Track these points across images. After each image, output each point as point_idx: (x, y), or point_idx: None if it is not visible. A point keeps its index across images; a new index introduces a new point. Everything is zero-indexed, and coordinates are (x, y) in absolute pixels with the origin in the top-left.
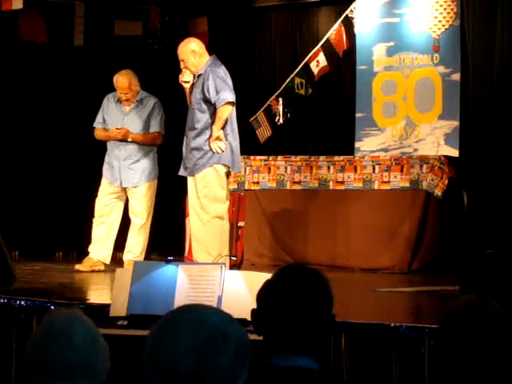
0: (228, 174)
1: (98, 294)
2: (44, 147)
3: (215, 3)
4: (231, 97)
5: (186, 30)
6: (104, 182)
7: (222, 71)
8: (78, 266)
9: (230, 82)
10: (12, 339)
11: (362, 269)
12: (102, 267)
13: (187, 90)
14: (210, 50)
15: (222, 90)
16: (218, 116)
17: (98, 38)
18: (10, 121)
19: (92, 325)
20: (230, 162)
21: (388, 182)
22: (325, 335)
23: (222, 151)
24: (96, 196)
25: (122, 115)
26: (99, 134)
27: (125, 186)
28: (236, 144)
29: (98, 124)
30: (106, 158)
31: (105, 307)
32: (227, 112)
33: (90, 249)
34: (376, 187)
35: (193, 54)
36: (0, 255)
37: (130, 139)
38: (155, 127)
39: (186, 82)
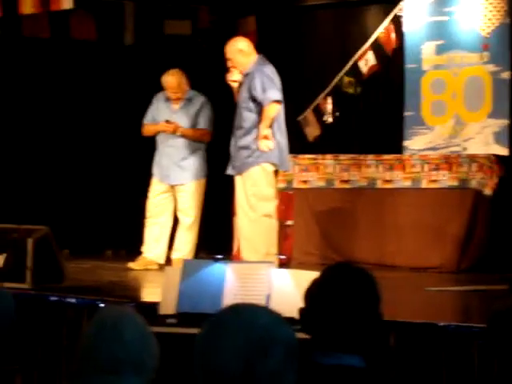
0: (276, 173)
1: (147, 292)
2: (95, 146)
3: (264, 2)
4: (278, 95)
5: (234, 29)
6: (154, 180)
7: (269, 70)
8: (130, 264)
9: (278, 81)
10: (62, 336)
11: (410, 268)
12: (156, 266)
13: (235, 89)
14: (259, 49)
15: (269, 88)
16: (264, 115)
17: (147, 37)
18: (62, 119)
19: (143, 322)
20: (277, 160)
21: (436, 180)
22: (372, 334)
23: (270, 150)
24: (146, 195)
25: (171, 113)
26: (147, 128)
27: (173, 184)
28: (284, 142)
29: (147, 121)
30: (156, 156)
31: (154, 305)
32: (274, 111)
33: (144, 249)
34: (424, 186)
35: (240, 53)
36: (51, 254)
37: (178, 133)
38: (203, 124)
39: (233, 81)
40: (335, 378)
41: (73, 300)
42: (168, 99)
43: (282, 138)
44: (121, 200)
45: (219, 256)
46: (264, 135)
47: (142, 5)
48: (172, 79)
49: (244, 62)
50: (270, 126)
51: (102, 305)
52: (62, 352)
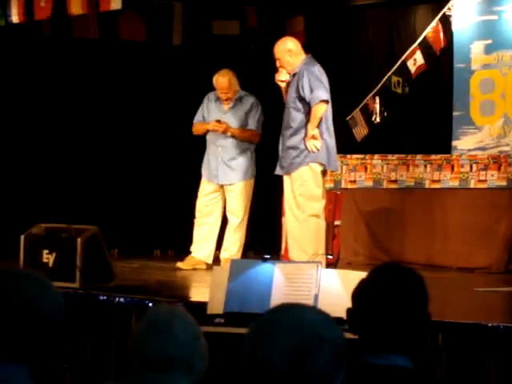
0: (324, 173)
1: (195, 292)
2: (145, 146)
3: (312, 2)
4: (325, 95)
5: (283, 29)
6: (203, 180)
7: (317, 70)
8: (179, 264)
9: (325, 81)
10: (111, 335)
11: (458, 268)
12: (204, 266)
13: (283, 89)
14: (307, 48)
15: (317, 88)
16: (312, 114)
17: (196, 38)
18: (113, 119)
19: (194, 322)
20: (325, 160)
21: (484, 180)
22: (420, 334)
23: (318, 150)
24: (195, 195)
25: (221, 113)
26: (197, 127)
27: (221, 184)
28: (332, 142)
29: (197, 120)
30: (205, 156)
31: (202, 305)
32: (321, 110)
33: (192, 248)
34: (472, 186)
35: (289, 52)
36: (100, 253)
37: (228, 133)
38: (252, 125)
39: (282, 81)
40: (384, 378)
41: (121, 299)
42: (219, 99)
43: (330, 137)
44: (170, 200)
45: (267, 256)
46: (312, 135)
47: (191, 5)
48: (223, 79)
49: (292, 62)
50: (318, 126)
51: (151, 304)
52: (110, 351)
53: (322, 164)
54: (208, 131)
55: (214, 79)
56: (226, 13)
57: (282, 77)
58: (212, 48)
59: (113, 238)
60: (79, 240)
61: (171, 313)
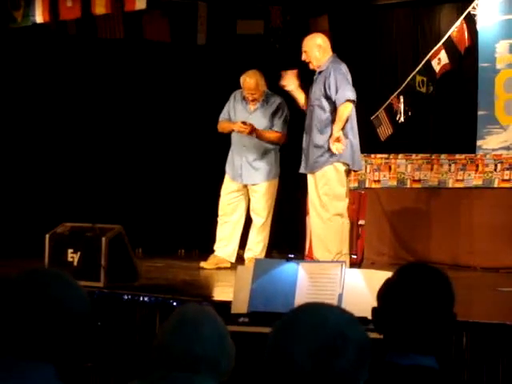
0: (348, 172)
1: (220, 291)
2: (169, 145)
3: (336, 1)
4: (352, 95)
5: (307, 28)
6: (227, 178)
7: (344, 69)
8: (202, 264)
9: (351, 81)
10: (135, 334)
11: (483, 268)
12: (228, 265)
13: (293, 93)
14: (331, 48)
15: (343, 87)
16: (338, 115)
17: (220, 37)
18: (138, 118)
19: (221, 322)
20: (349, 159)
21: (508, 180)
22: (446, 334)
23: (341, 152)
24: (219, 194)
25: (247, 114)
26: (223, 125)
27: (245, 183)
28: (356, 142)
29: (222, 118)
30: (230, 154)
31: (227, 304)
32: (348, 110)
33: (216, 247)
34: (496, 185)
35: (318, 47)
36: (124, 252)
37: (254, 135)
38: (278, 127)
39: (284, 86)
40: (410, 378)
41: (145, 299)
42: (245, 99)
43: (355, 137)
44: (195, 199)
45: (291, 255)
46: (336, 137)
47: (215, 5)
48: (250, 80)
49: (319, 58)
50: (343, 127)
51: (175, 304)
52: (134, 350)
53: (346, 163)
54: (233, 130)
55: (242, 79)
56: (250, 12)
57: (285, 82)
58: (236, 48)
59: (137, 237)
60: (104, 239)
61: (199, 312)
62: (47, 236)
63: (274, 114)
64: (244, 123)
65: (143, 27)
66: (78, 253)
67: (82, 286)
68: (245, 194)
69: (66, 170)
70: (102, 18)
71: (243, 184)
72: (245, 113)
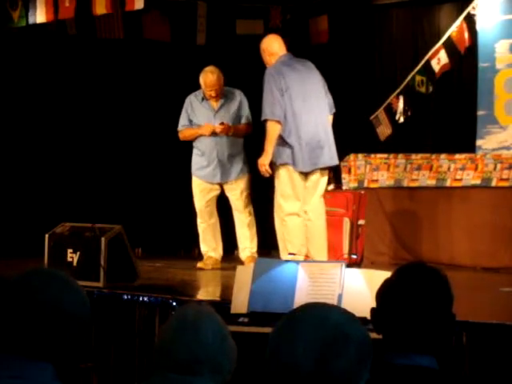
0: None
1: (218, 291)
2: (170, 145)
3: (336, 1)
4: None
5: (307, 28)
6: (197, 182)
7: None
8: (199, 264)
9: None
10: (135, 334)
11: (482, 268)
12: (220, 266)
13: None
14: (330, 47)
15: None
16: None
17: (220, 37)
18: (136, 118)
19: (222, 323)
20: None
21: (507, 179)
22: (445, 334)
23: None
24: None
25: (212, 113)
26: (186, 133)
27: (221, 182)
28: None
29: (183, 127)
30: (197, 158)
31: (225, 304)
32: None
33: (205, 251)
34: (494, 184)
35: (263, 52)
36: (124, 252)
37: (230, 133)
38: (246, 118)
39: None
40: (409, 378)
41: (145, 299)
42: (204, 99)
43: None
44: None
45: (290, 255)
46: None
47: (215, 5)
48: (213, 76)
49: (269, 62)
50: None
51: (175, 304)
52: (134, 350)
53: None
54: (200, 135)
55: (204, 77)
56: (249, 12)
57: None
58: (236, 47)
59: (137, 237)
60: (103, 239)
61: (200, 313)
62: (47, 236)
63: (239, 107)
64: (222, 124)
65: (143, 27)
66: (78, 253)
67: (81, 286)
68: (217, 193)
69: (66, 170)
70: (101, 18)
71: (218, 183)
72: (209, 112)
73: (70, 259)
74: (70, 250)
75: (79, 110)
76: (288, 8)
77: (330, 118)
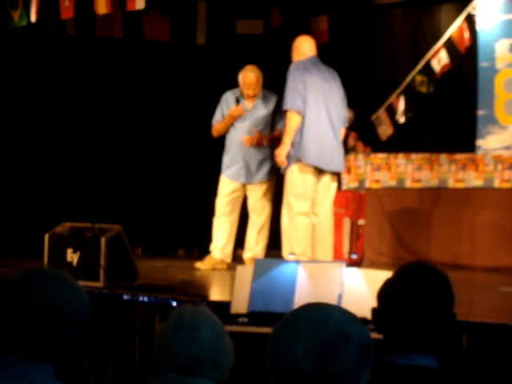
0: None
1: (219, 291)
2: (168, 145)
3: (336, 1)
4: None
5: (307, 28)
6: (224, 180)
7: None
8: (198, 264)
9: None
10: (135, 334)
11: (484, 268)
12: (225, 266)
13: None
14: (331, 48)
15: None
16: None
17: (220, 37)
18: (136, 118)
19: (219, 322)
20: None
21: (509, 180)
22: (445, 334)
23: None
24: (216, 194)
25: (245, 112)
26: (218, 127)
27: (246, 182)
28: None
29: (216, 122)
30: (226, 156)
31: (226, 304)
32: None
33: (212, 248)
34: (496, 185)
35: (294, 49)
36: (124, 252)
37: (265, 144)
38: (281, 124)
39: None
40: (409, 378)
41: (145, 299)
42: (238, 99)
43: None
44: (194, 199)
45: (291, 255)
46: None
47: (215, 4)
48: (251, 75)
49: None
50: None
51: (174, 303)
52: (134, 350)
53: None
54: (229, 129)
55: (242, 75)
56: (249, 12)
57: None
58: (236, 47)
59: (137, 236)
60: (103, 239)
61: (196, 313)
62: (47, 236)
63: (275, 112)
64: (237, 103)
65: (143, 27)
66: (78, 253)
67: (81, 286)
68: (242, 193)
69: (66, 169)
70: (101, 18)
71: (242, 183)
72: (242, 111)
73: (69, 259)
74: (69, 250)
75: (79, 109)
76: (288, 8)
77: (343, 131)
